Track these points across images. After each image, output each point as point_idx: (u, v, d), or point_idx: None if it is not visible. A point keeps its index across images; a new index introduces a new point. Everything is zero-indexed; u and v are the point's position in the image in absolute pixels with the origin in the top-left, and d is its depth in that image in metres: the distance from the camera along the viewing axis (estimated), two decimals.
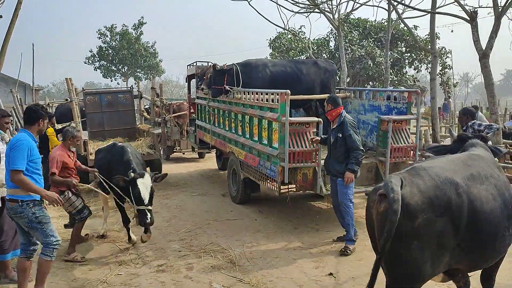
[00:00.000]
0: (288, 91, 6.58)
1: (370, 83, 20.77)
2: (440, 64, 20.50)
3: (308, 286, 4.91)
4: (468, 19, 7.97)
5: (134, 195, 5.57)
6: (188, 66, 12.26)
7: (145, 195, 5.56)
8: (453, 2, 8.79)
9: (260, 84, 8.35)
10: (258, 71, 8.73)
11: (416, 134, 7.39)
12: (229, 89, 8.49)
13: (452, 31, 19.86)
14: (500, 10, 7.80)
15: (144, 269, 5.50)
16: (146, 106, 14.72)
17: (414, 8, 9.15)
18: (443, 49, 20.51)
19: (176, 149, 14.36)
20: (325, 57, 20.08)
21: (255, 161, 7.60)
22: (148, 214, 5.55)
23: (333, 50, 19.79)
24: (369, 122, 8.30)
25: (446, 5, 9.38)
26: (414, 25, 19.45)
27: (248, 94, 7.91)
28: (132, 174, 5.64)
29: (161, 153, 12.65)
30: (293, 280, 5.06)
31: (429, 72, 10.68)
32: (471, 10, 7.93)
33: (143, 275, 5.28)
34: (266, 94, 7.18)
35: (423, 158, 7.00)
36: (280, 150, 6.64)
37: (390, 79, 20.61)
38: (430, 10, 9.00)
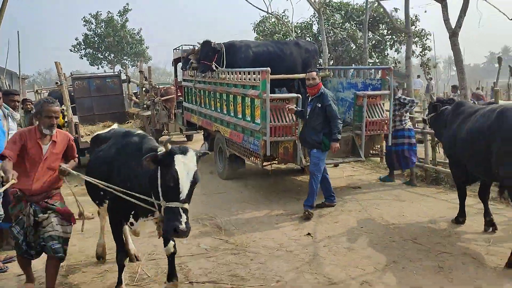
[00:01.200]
0: (268, 69, 7.01)
1: (353, 64, 21.21)
2: (420, 46, 21.04)
3: (287, 244, 5.40)
4: None
5: (166, 181, 3.29)
6: (174, 50, 12.55)
7: (184, 183, 3.28)
8: None
9: (244, 64, 8.72)
10: (242, 51, 9.11)
11: (390, 109, 7.87)
12: (215, 67, 8.85)
13: (425, 11, 20.39)
14: None
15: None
16: (135, 91, 15.02)
17: None
18: (423, 31, 21.03)
19: (164, 132, 14.71)
20: (308, 40, 20.45)
21: (240, 137, 8.04)
22: (184, 215, 3.25)
23: (316, 33, 20.16)
24: (347, 99, 8.76)
25: None
26: (394, 8, 19.93)
27: (232, 74, 8.31)
28: (169, 146, 3.37)
29: (151, 135, 13.02)
30: (274, 240, 5.55)
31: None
32: None
33: (136, 239, 5.72)
34: (248, 73, 7.60)
35: None
36: (262, 125, 7.09)
37: (372, 61, 21.14)
38: None
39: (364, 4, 20.52)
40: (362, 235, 5.62)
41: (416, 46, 20.81)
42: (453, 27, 8.49)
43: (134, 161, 3.66)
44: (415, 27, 20.97)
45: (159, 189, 3.33)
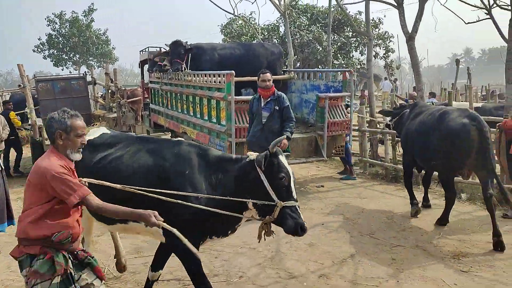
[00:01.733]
0: (233, 71, 7.18)
1: (320, 66, 21.66)
2: (384, 48, 21.69)
3: (251, 241, 5.57)
4: (396, 5, 8.83)
5: (280, 181, 3.21)
6: (141, 52, 12.58)
7: (293, 182, 3.29)
8: None
9: (210, 66, 8.87)
10: (208, 54, 9.26)
11: (350, 110, 8.20)
12: (184, 67, 8.93)
13: (384, 16, 21.18)
14: None
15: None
16: (101, 93, 14.90)
17: None
18: (386, 33, 21.69)
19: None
20: (276, 42, 20.74)
21: (206, 138, 8.17)
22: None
23: (283, 35, 20.45)
24: (311, 101, 9.03)
25: None
26: (358, 11, 20.43)
27: (198, 76, 8.44)
28: (275, 148, 3.30)
29: None
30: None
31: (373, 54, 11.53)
32: None
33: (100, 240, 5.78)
34: (214, 75, 7.75)
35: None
36: (228, 127, 7.25)
37: (338, 63, 21.61)
38: None
39: (328, 7, 21.09)
40: (323, 232, 5.86)
41: (380, 48, 21.47)
42: (409, 31, 8.87)
43: (210, 172, 3.41)
44: (379, 29, 21.62)
45: (270, 191, 3.17)
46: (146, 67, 12.70)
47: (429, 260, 4.76)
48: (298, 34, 19.19)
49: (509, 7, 13.29)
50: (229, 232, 3.57)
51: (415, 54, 8.95)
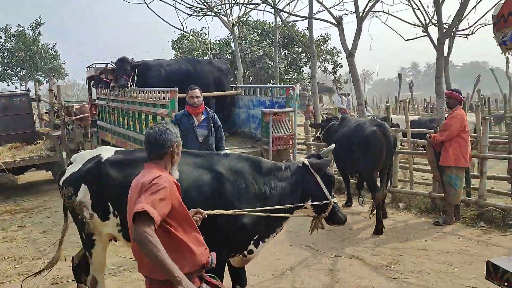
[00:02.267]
0: (176, 88, 7.22)
1: (272, 81, 22.07)
2: (332, 63, 22.41)
3: None
4: (336, 23, 9.22)
5: (330, 182, 3.72)
6: (88, 68, 12.37)
7: None
8: (324, 10, 10.01)
9: (156, 83, 8.87)
10: (153, 70, 9.28)
11: (293, 124, 8.42)
12: (130, 84, 8.89)
13: (327, 33, 22.07)
14: (361, 16, 9.12)
15: None
16: (45, 111, 14.49)
17: (293, 14, 10.30)
18: (334, 48, 22.44)
19: (80, 151, 14.27)
20: (228, 57, 20.97)
21: None
22: None
23: (234, 50, 20.73)
24: (258, 116, 9.20)
25: (322, 11, 10.64)
26: (306, 27, 21.03)
27: (143, 93, 8.43)
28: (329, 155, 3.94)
29: (64, 156, 12.65)
30: None
31: (320, 70, 11.96)
32: (338, 16, 9.18)
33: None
34: (158, 92, 7.77)
35: None
36: None
37: (289, 77, 22.14)
38: (307, 16, 10.17)
39: (279, 23, 21.62)
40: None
41: (329, 63, 22.16)
42: (349, 48, 9.28)
43: (266, 180, 3.60)
44: (327, 45, 22.33)
45: (326, 191, 3.58)
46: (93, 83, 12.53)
47: (363, 269, 4.97)
48: (249, 50, 19.50)
49: (445, 25, 14.25)
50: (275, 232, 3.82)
51: (355, 70, 9.35)
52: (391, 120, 8.97)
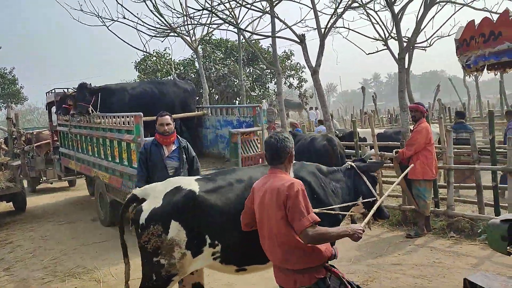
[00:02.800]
0: (141, 113, 7.05)
1: (238, 98, 22.10)
2: (297, 78, 22.68)
3: None
4: (299, 41, 9.30)
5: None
6: (47, 94, 12.04)
7: None
8: (286, 28, 10.09)
9: (120, 107, 8.67)
10: (117, 95, 9.07)
11: (262, 143, 8.37)
12: (92, 110, 8.65)
13: (292, 51, 22.39)
14: (323, 33, 9.25)
15: None
16: (1, 139, 13.94)
17: (256, 33, 10.35)
18: (298, 64, 22.74)
19: (42, 179, 13.81)
20: (192, 76, 20.88)
21: (119, 182, 7.89)
22: None
23: (198, 69, 20.67)
24: (225, 136, 9.12)
25: (284, 29, 10.74)
26: (270, 44, 21.23)
27: (107, 118, 8.20)
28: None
29: (25, 185, 12.13)
30: None
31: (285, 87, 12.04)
32: (300, 34, 9.27)
33: None
34: (122, 117, 7.57)
35: None
36: None
37: (255, 94, 22.23)
38: (270, 35, 10.24)
39: (242, 41, 21.78)
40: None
41: (293, 79, 22.41)
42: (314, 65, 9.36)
43: (336, 180, 3.92)
44: (291, 61, 22.60)
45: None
46: (54, 109, 12.18)
47: None
48: (213, 68, 19.49)
49: (404, 38, 14.68)
50: None
51: (320, 87, 9.44)
52: (358, 134, 9.11)
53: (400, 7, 8.77)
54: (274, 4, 10.06)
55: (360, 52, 10.90)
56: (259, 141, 8.42)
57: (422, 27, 8.23)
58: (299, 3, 10.27)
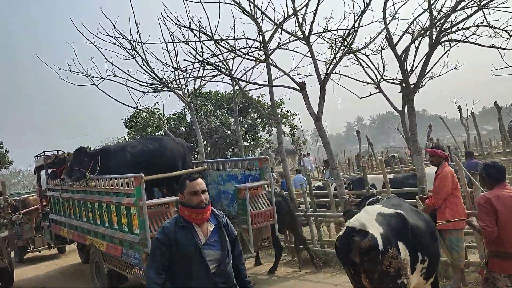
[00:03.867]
0: (142, 174, 6.52)
1: (230, 149, 21.69)
2: (289, 126, 22.48)
3: None
4: (299, 88, 9.02)
5: None
6: (36, 157, 11.49)
7: None
8: (283, 75, 9.86)
9: (122, 168, 8.00)
10: (117, 156, 8.47)
11: (272, 196, 7.84)
12: (88, 175, 8.06)
13: (289, 99, 22.17)
14: (323, 79, 9.00)
15: None
16: None
17: (252, 83, 10.05)
18: (289, 112, 22.60)
19: (30, 248, 12.94)
20: (183, 130, 20.54)
21: (118, 250, 7.21)
22: None
23: (189, 123, 20.37)
24: (229, 192, 8.59)
25: (280, 77, 10.51)
26: (260, 93, 21.13)
27: (103, 181, 7.62)
28: None
29: (12, 256, 11.25)
30: None
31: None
32: (300, 81, 9.01)
33: None
34: (121, 179, 7.02)
35: None
36: (142, 236, 6.42)
37: (247, 144, 21.86)
38: (267, 83, 9.97)
39: (231, 92, 21.73)
40: None
41: (285, 126, 22.17)
42: (316, 112, 9.04)
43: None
44: (281, 109, 22.47)
45: None
46: (42, 173, 11.59)
47: None
48: (205, 121, 19.19)
49: (395, 80, 14.65)
50: None
51: (324, 133, 9.07)
52: (368, 181, 8.65)
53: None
54: (269, 54, 9.88)
55: (344, 96, 10.69)
56: (267, 195, 7.90)
57: (428, 69, 8.00)
58: (293, 51, 10.13)
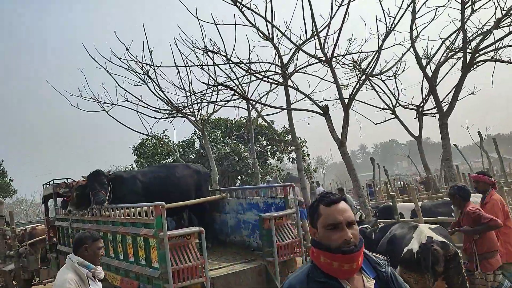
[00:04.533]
0: (163, 203, 6.07)
1: (240, 177, 21.26)
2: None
3: None
4: (322, 112, 8.67)
5: None
6: (44, 186, 11.03)
7: None
8: (304, 98, 9.53)
9: (133, 197, 7.74)
10: (129, 184, 8.15)
11: (298, 226, 7.35)
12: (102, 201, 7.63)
13: (308, 124, 21.31)
14: (346, 103, 8.66)
15: None
16: None
17: (271, 106, 9.69)
18: (299, 138, 22.22)
19: (35, 280, 12.34)
20: (192, 157, 20.18)
21: (134, 285, 6.68)
22: None
23: (199, 150, 20.02)
24: (250, 221, 8.09)
25: (298, 101, 10.18)
26: (271, 120, 20.79)
27: (118, 210, 7.16)
28: None
29: None
30: None
31: (296, 162, 11.26)
32: (323, 104, 8.67)
33: None
34: (138, 207, 6.56)
35: None
36: (162, 270, 5.91)
37: (253, 171, 21.47)
38: (286, 107, 9.62)
39: (241, 119, 21.49)
40: None
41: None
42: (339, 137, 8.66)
43: None
44: (291, 136, 22.17)
45: None
46: (50, 202, 11.13)
47: None
48: (215, 148, 18.84)
49: (412, 106, 14.32)
50: None
51: (349, 159, 8.67)
52: (397, 209, 8.15)
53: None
54: (288, 76, 9.58)
55: (351, 122, 10.34)
56: (293, 225, 7.40)
57: (460, 89, 7.64)
58: (311, 75, 9.85)
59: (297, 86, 9.04)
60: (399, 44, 9.12)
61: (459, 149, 21.59)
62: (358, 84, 8.72)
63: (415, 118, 14.31)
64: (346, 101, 8.70)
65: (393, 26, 7.74)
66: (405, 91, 14.42)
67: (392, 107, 14.00)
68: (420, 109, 13.38)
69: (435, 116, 15.33)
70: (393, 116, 14.20)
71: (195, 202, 8.34)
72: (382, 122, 14.54)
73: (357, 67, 8.98)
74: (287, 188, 7.52)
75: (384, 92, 13.84)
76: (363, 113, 11.87)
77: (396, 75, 13.54)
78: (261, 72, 9.55)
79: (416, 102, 13.66)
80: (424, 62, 8.09)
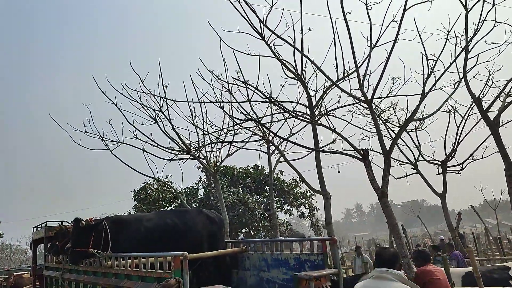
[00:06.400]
0: (185, 253, 4.91)
1: (243, 230, 19.89)
2: (308, 207, 20.86)
3: None
4: (361, 157, 7.62)
5: None
6: (35, 229, 9.74)
7: None
8: (333, 141, 8.53)
9: (135, 245, 6.55)
10: (131, 228, 6.97)
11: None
12: (95, 252, 6.40)
13: (338, 171, 19.38)
14: (387, 150, 7.66)
15: None
16: None
17: (302, 146, 8.56)
18: (308, 191, 21.06)
19: None
20: (195, 206, 18.89)
21: None
22: None
23: (203, 199, 18.78)
24: (276, 281, 6.85)
25: (326, 145, 9.19)
26: (280, 170, 19.70)
27: (123, 260, 5.91)
28: None
29: None
30: None
31: (323, 216, 10.10)
32: (362, 149, 7.64)
33: None
34: (151, 258, 5.34)
35: None
36: None
37: (261, 224, 20.07)
38: (315, 148, 8.60)
39: (247, 168, 20.46)
40: None
41: (305, 207, 20.57)
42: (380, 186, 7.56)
43: None
44: (300, 188, 21.02)
45: None
46: (40, 247, 9.82)
47: None
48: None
49: (436, 161, 13.37)
50: None
51: (391, 212, 7.49)
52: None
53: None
54: (319, 117, 8.66)
55: (346, 183, 9.33)
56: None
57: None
58: (340, 118, 8.93)
59: (334, 126, 8.06)
60: (442, 87, 8.32)
61: (476, 211, 20.43)
62: (399, 129, 7.76)
63: (437, 174, 13.38)
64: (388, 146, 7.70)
65: (445, 68, 6.91)
66: (425, 145, 13.46)
67: (414, 161, 13.06)
68: (444, 165, 12.56)
69: (459, 173, 14.45)
70: (415, 171, 13.25)
71: (210, 255, 7.10)
72: (402, 177, 13.54)
73: (402, 110, 8.08)
74: (326, 243, 6.33)
75: (406, 145, 12.97)
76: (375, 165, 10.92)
77: (422, 125, 12.73)
78: (288, 111, 8.64)
79: (438, 157, 12.83)
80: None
